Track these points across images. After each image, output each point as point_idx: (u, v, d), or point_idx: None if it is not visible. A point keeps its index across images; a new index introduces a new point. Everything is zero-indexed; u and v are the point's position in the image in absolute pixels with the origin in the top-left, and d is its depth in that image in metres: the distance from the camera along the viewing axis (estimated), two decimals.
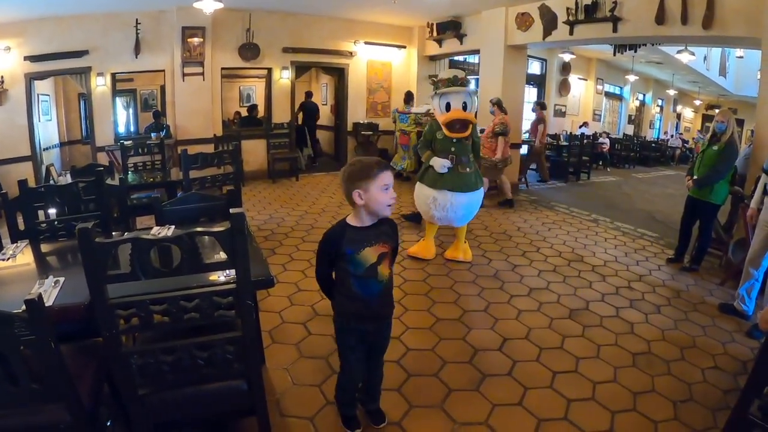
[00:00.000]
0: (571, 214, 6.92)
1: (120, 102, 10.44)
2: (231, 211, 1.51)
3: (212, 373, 1.77)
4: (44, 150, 8.58)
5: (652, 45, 7.38)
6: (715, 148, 4.34)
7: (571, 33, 6.61)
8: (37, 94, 8.38)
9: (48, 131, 9.15)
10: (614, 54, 7.96)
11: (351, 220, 2.00)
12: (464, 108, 4.32)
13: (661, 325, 3.58)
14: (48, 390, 1.65)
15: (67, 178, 4.63)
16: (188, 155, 3.88)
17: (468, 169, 4.40)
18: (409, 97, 8.87)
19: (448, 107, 4.32)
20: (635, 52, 7.37)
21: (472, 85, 4.44)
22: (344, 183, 1.94)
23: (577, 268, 4.70)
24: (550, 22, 6.81)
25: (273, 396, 2.55)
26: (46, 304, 1.90)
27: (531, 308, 3.75)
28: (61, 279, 2.11)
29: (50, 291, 2.01)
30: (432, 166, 4.40)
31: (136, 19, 7.48)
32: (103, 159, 7.60)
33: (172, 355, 1.73)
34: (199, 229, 1.57)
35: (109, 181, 4.18)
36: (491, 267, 4.63)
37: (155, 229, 2.59)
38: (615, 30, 6.05)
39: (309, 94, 10.87)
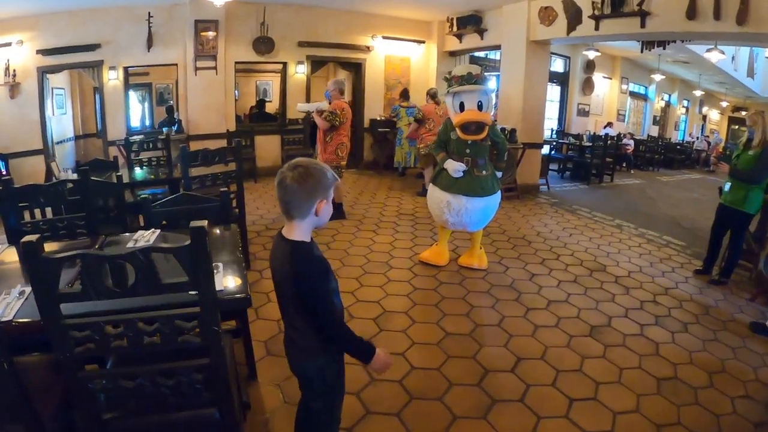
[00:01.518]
0: (593, 218, 6.60)
1: (135, 96, 10.43)
2: (191, 224, 1.30)
3: (179, 402, 1.58)
4: (59, 143, 8.59)
5: (682, 42, 6.99)
6: (751, 153, 4.05)
7: (596, 28, 6.27)
8: (52, 88, 8.39)
9: (63, 125, 9.16)
10: (641, 51, 7.56)
11: (303, 237, 1.59)
12: (479, 107, 4.01)
13: (689, 345, 3.28)
14: (3, 411, 1.51)
15: (69, 175, 4.50)
16: (188, 152, 3.70)
17: (484, 172, 4.13)
18: (406, 95, 8.33)
19: (462, 107, 4.02)
20: (663, 49, 6.98)
21: (490, 83, 4.13)
22: (309, 191, 1.52)
23: (600, 278, 4.40)
24: (574, 16, 6.48)
25: (261, 416, 2.35)
26: (7, 318, 1.75)
27: (549, 324, 3.47)
28: (28, 289, 1.93)
29: (13, 303, 1.84)
30: (446, 169, 4.14)
31: (149, 13, 7.38)
32: (115, 153, 7.52)
33: (134, 381, 1.54)
34: (160, 245, 1.36)
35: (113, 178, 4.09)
36: (508, 276, 4.35)
37: (139, 233, 2.42)
38: (643, 25, 5.71)
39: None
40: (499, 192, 4.31)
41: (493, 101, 4.12)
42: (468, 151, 4.08)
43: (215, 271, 1.91)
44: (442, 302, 3.73)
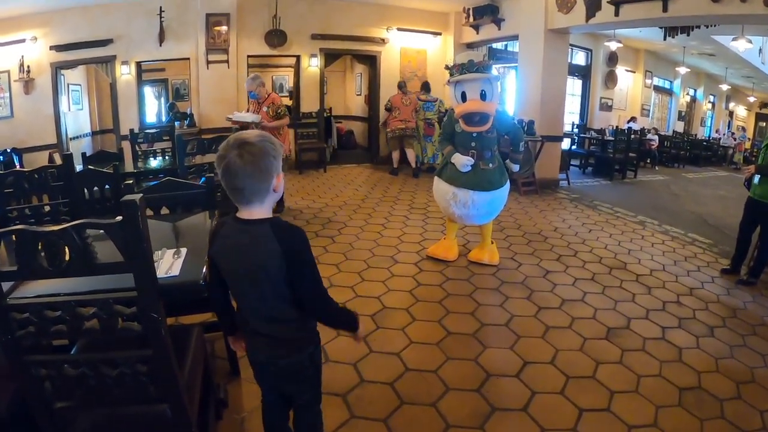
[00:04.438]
0: (615, 214, 6.29)
1: (152, 92, 10.50)
2: (123, 198, 1.14)
3: (125, 394, 1.45)
4: (75, 139, 8.63)
5: (707, 27, 6.64)
6: None
7: (616, 14, 5.98)
8: (68, 84, 8.45)
9: (79, 120, 9.21)
10: (664, 38, 7.24)
11: (270, 214, 1.44)
12: (483, 97, 3.75)
13: (715, 351, 2.99)
14: None
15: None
16: (183, 140, 3.58)
17: (490, 165, 3.89)
18: (426, 87, 8.36)
19: (464, 97, 3.78)
20: (687, 35, 6.65)
21: (494, 70, 3.88)
22: (264, 170, 1.34)
23: (619, 277, 4.12)
24: (593, 2, 6.18)
25: (239, 414, 2.20)
26: None
27: (561, 324, 3.21)
28: None
29: None
30: (453, 162, 3.92)
31: (160, 7, 7.37)
32: (127, 147, 7.51)
33: (77, 369, 1.41)
34: (92, 221, 1.20)
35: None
36: (520, 272, 4.11)
37: (116, 219, 2.29)
38: (665, 9, 5.41)
39: None
40: (507, 185, 4.06)
41: (498, 90, 3.84)
42: (473, 144, 3.85)
43: (176, 255, 1.78)
44: (447, 299, 3.51)
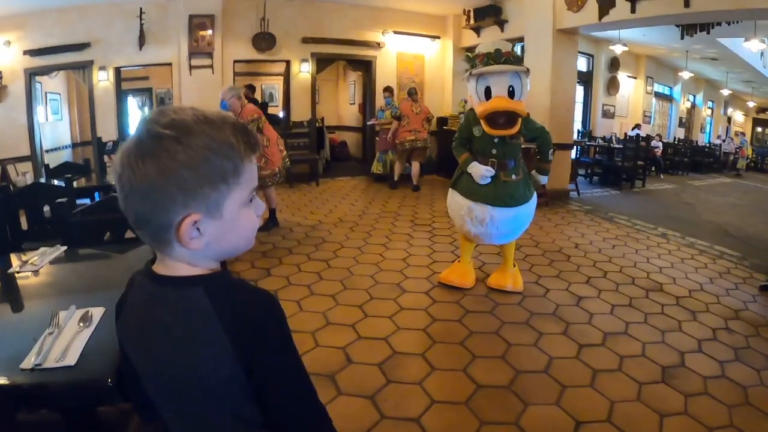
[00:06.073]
0: (634, 227, 5.80)
1: (136, 102, 10.05)
2: None
3: None
4: (53, 151, 8.13)
5: (728, 24, 6.22)
6: None
7: (632, 10, 5.52)
8: (45, 93, 7.98)
9: (58, 131, 8.72)
10: (682, 37, 6.84)
11: (208, 269, 0.78)
12: (511, 94, 3.18)
13: None
14: None
15: (27, 179, 3.91)
16: None
17: (514, 177, 3.32)
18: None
19: (488, 93, 3.20)
20: (708, 33, 6.26)
21: (524, 63, 3.32)
22: (161, 182, 0.66)
23: (658, 300, 3.61)
24: None
25: None
26: None
27: (609, 366, 2.67)
28: None
29: None
30: (469, 173, 3.36)
31: (140, 9, 6.91)
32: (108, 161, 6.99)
33: None
34: None
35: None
36: (549, 300, 3.56)
37: (39, 251, 1.74)
38: (687, 5, 4.96)
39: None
40: (534, 199, 3.49)
41: (528, 87, 3.30)
42: (494, 151, 3.29)
43: (83, 323, 1.11)
44: (470, 339, 2.94)
